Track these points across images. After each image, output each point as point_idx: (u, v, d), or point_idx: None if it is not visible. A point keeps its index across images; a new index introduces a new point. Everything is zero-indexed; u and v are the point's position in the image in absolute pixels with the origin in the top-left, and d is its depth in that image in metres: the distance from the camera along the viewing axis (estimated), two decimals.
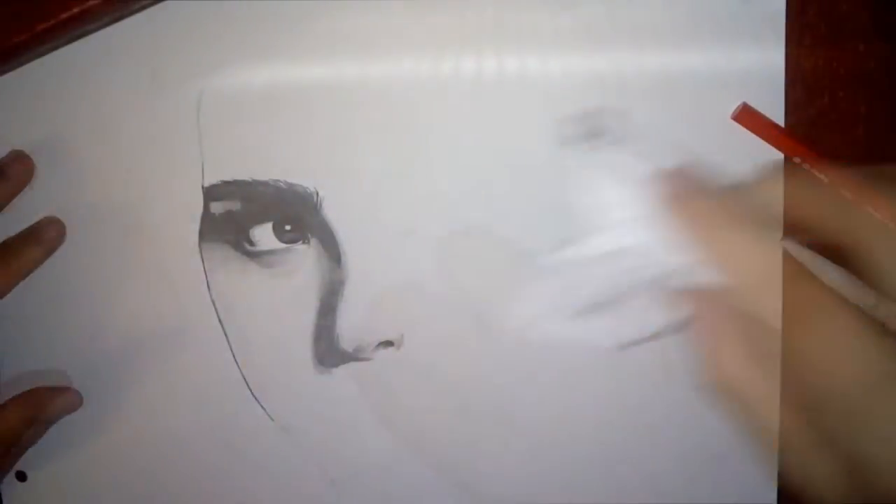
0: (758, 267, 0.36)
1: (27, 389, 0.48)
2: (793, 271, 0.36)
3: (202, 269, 0.47)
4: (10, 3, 0.41)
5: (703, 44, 0.41)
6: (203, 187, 0.46)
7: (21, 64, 0.45)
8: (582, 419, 0.47)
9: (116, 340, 0.49)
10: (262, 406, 0.48)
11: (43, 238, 0.47)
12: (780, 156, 0.42)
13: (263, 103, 0.45)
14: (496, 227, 0.44)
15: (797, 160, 0.40)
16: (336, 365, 0.47)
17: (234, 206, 0.46)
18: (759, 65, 0.41)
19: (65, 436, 0.50)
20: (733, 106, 0.42)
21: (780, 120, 0.42)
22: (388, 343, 0.47)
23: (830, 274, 0.42)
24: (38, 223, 0.47)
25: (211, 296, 0.47)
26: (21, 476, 0.50)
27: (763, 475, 0.44)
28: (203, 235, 0.47)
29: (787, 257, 0.41)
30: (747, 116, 0.41)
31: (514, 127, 0.43)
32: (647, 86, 0.42)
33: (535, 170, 0.44)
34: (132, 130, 0.46)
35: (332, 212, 0.45)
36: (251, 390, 0.48)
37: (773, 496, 0.45)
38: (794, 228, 0.37)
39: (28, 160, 0.46)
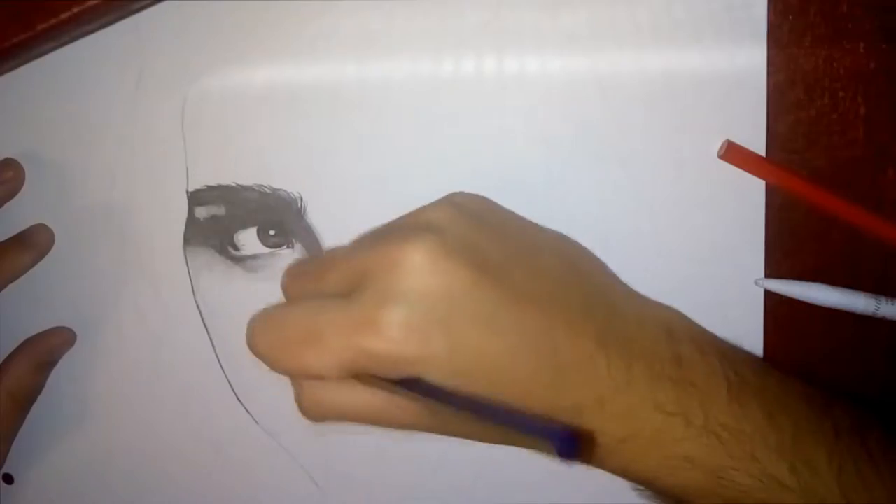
0: None
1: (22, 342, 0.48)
2: None
3: (187, 273, 0.47)
4: (10, 3, 0.41)
5: (695, 46, 0.41)
6: (188, 192, 0.46)
7: (21, 64, 0.45)
8: None
9: (102, 345, 0.49)
10: (246, 409, 0.49)
11: (32, 244, 0.47)
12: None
13: (248, 108, 0.45)
14: None
15: None
16: None
17: (219, 210, 0.46)
18: (743, 68, 0.41)
19: (52, 438, 0.50)
20: (719, 110, 0.42)
21: (763, 123, 0.42)
22: None
23: (824, 295, 0.42)
24: (27, 229, 0.47)
25: (196, 300, 0.48)
26: (8, 479, 0.50)
27: None
28: (188, 240, 0.47)
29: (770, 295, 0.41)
30: (732, 153, 0.42)
31: (504, 130, 0.43)
32: (643, 87, 0.42)
33: (527, 172, 0.44)
34: (117, 136, 0.46)
35: (316, 217, 0.46)
36: (236, 393, 0.48)
37: None
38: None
39: (19, 167, 0.47)
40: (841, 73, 0.41)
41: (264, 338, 0.36)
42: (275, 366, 0.36)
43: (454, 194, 0.39)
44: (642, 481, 0.37)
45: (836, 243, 0.42)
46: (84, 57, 0.45)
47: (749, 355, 0.39)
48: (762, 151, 0.41)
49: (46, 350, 0.48)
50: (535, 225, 0.40)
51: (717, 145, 0.42)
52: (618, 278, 0.41)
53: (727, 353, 0.38)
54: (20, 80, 0.45)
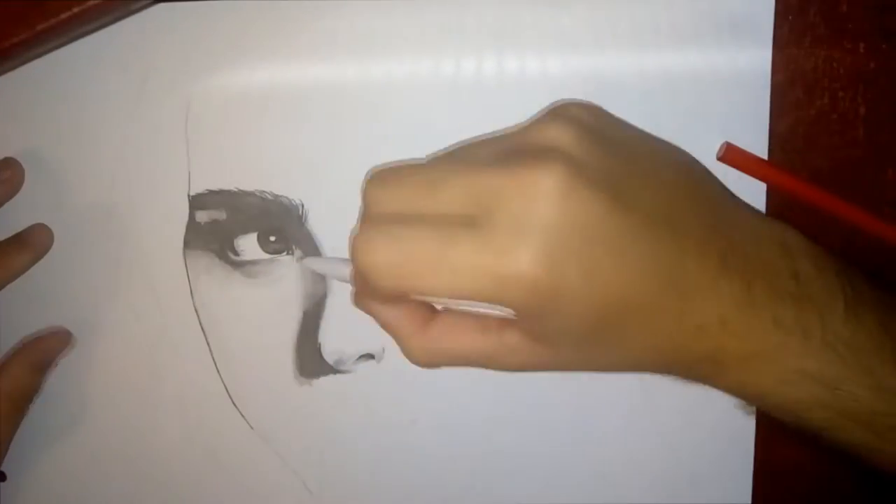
0: None
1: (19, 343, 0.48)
2: None
3: (186, 276, 0.47)
4: (10, 3, 0.41)
5: (696, 47, 0.42)
6: (189, 196, 0.46)
7: (21, 64, 0.45)
8: (559, 434, 0.47)
9: (100, 346, 0.49)
10: (242, 414, 0.48)
11: (31, 244, 0.47)
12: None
13: (251, 113, 0.45)
14: None
15: None
16: (317, 376, 0.47)
17: (220, 215, 0.46)
18: (747, 68, 0.42)
19: (49, 439, 0.50)
20: (720, 111, 0.42)
21: (765, 124, 0.42)
22: (369, 356, 0.47)
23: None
24: (26, 229, 0.47)
25: (194, 304, 0.47)
26: (1, 476, 0.50)
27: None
28: (188, 244, 0.47)
29: None
30: (732, 155, 0.41)
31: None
32: (643, 87, 0.42)
33: None
34: (119, 138, 0.46)
35: (317, 223, 0.46)
36: (232, 398, 0.48)
37: None
38: None
39: (18, 167, 0.47)
40: (841, 73, 0.41)
41: (385, 256, 0.34)
42: (386, 283, 0.34)
43: (566, 106, 0.36)
44: (755, 397, 0.37)
45: (836, 243, 0.42)
46: (84, 57, 0.45)
47: (860, 269, 0.38)
48: (764, 152, 0.41)
49: (44, 351, 0.48)
50: (650, 136, 0.38)
51: (717, 146, 0.42)
52: (730, 191, 0.39)
53: (842, 267, 0.37)
54: (20, 80, 0.45)
